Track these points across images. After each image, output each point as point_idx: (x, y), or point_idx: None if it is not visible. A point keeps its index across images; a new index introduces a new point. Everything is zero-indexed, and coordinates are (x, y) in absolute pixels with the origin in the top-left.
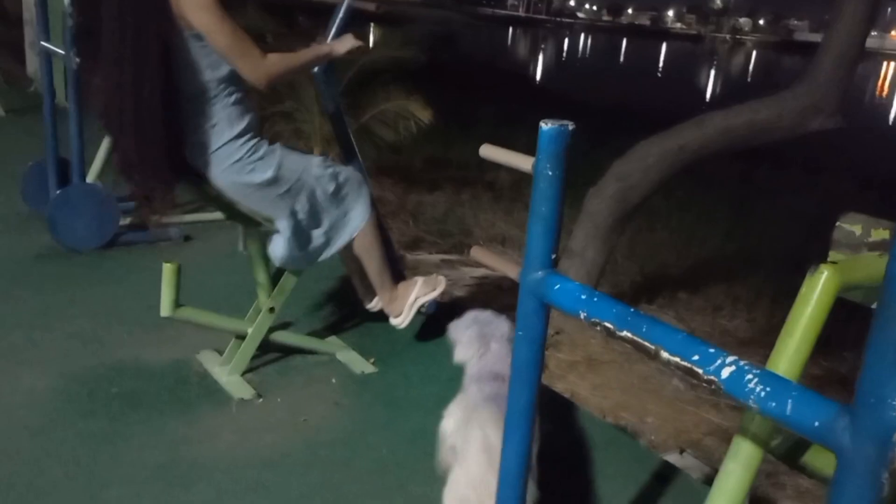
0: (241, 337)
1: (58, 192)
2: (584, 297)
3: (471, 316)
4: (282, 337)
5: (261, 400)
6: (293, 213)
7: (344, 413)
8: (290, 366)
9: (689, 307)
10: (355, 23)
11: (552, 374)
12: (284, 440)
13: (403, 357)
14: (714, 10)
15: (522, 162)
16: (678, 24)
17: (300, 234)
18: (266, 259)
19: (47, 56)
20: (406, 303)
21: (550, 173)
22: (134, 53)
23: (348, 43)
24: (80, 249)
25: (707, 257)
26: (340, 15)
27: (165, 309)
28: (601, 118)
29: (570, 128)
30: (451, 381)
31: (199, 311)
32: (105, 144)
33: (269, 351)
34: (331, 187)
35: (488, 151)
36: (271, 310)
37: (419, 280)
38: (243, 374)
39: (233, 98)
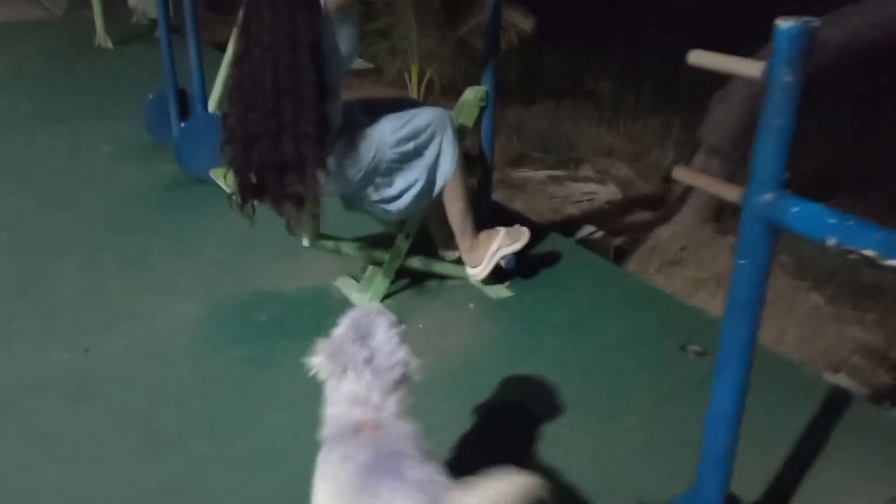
0: (377, 264)
1: (183, 123)
2: (833, 221)
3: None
4: (417, 263)
5: (403, 326)
6: (378, 188)
7: (486, 339)
8: (426, 291)
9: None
10: None
11: (679, 294)
12: (432, 365)
13: (536, 281)
14: None
15: (747, 68)
16: None
17: (391, 198)
18: None
19: None
20: (486, 253)
21: (788, 79)
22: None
23: None
24: (207, 179)
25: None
26: None
27: (308, 239)
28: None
29: (815, 25)
30: (587, 307)
31: (339, 240)
32: (223, 73)
33: (403, 277)
34: (410, 147)
35: (699, 58)
36: (407, 236)
37: (502, 231)
38: (382, 300)
39: (337, 93)
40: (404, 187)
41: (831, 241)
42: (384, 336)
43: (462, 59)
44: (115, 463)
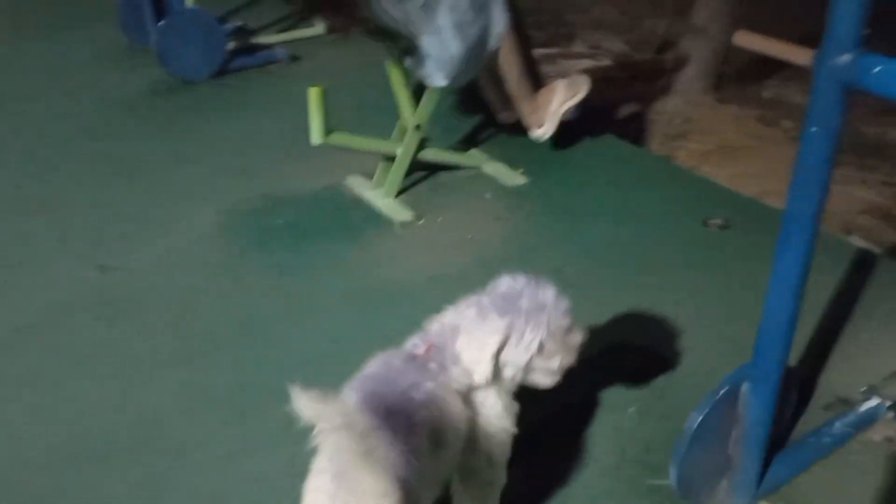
0: (389, 158)
1: (162, 21)
2: None
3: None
4: (429, 155)
5: (422, 221)
6: (438, 30)
7: (508, 227)
8: (440, 184)
9: None
10: None
11: (685, 166)
12: (458, 258)
13: (550, 165)
14: None
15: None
16: None
17: (446, 50)
18: (407, 75)
19: None
20: (549, 111)
21: None
22: None
23: None
24: (195, 80)
25: None
26: None
27: (316, 136)
28: None
29: None
30: (607, 185)
31: (349, 135)
32: None
33: (416, 170)
34: (464, 4)
35: (746, 40)
36: (418, 127)
37: (560, 84)
38: (396, 195)
39: None
40: (461, 46)
41: None
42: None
43: None
44: (156, 375)
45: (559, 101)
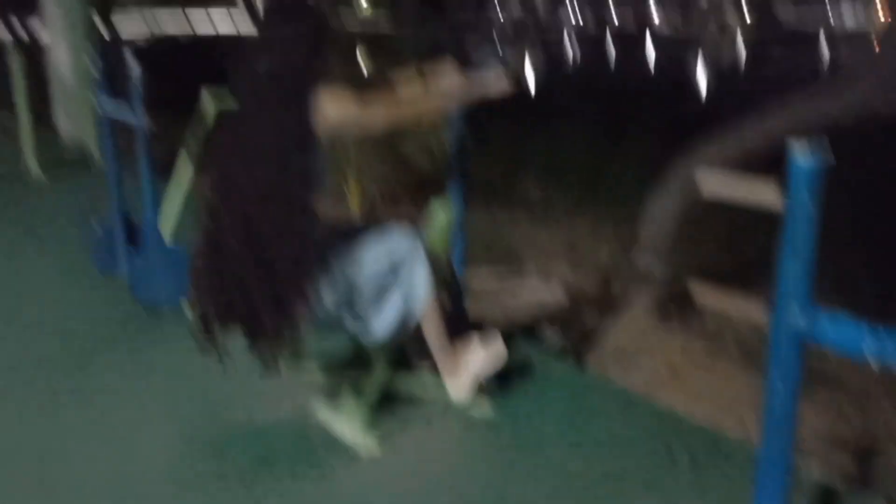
0: (355, 388)
1: (137, 255)
2: (871, 336)
3: None
4: (396, 385)
5: (391, 454)
6: (358, 316)
7: (480, 461)
8: (407, 415)
9: None
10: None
11: (642, 391)
12: (429, 496)
13: (512, 395)
14: (699, 8)
15: (765, 194)
16: (664, 27)
17: (372, 322)
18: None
19: (107, 119)
20: (466, 371)
21: (807, 211)
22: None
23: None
24: (162, 308)
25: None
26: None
27: (284, 368)
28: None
29: (825, 158)
30: (565, 416)
31: (314, 365)
32: (172, 201)
33: (383, 400)
34: (387, 273)
35: (713, 186)
36: (384, 364)
37: (480, 349)
38: (361, 425)
39: None
40: (384, 315)
41: (872, 358)
42: None
43: (403, 173)
44: None
45: (476, 365)
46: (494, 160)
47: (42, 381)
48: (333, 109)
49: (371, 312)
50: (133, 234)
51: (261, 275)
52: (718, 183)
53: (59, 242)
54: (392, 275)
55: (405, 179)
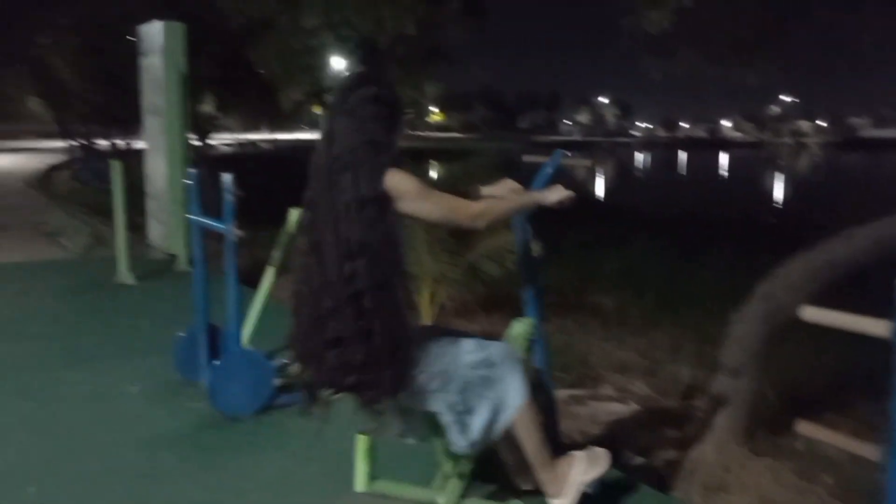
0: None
1: (218, 360)
2: None
3: None
4: None
5: None
6: (451, 406)
7: None
8: None
9: None
10: (564, 175)
11: None
12: None
13: None
14: (770, 116)
15: (871, 327)
16: (737, 134)
17: (463, 424)
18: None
19: (199, 229)
20: (568, 483)
21: None
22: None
23: (559, 193)
24: (240, 416)
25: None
26: (549, 170)
27: (361, 483)
28: (685, 231)
29: None
30: None
31: (393, 483)
32: (255, 309)
33: None
34: (481, 372)
35: (815, 315)
36: (460, 475)
37: (581, 456)
38: None
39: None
40: (476, 418)
41: None
42: None
43: (474, 281)
44: None
45: (578, 473)
46: (563, 268)
47: (121, 490)
48: (401, 183)
49: (461, 412)
50: (215, 341)
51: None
52: (822, 314)
53: (145, 347)
54: (486, 375)
55: (476, 287)
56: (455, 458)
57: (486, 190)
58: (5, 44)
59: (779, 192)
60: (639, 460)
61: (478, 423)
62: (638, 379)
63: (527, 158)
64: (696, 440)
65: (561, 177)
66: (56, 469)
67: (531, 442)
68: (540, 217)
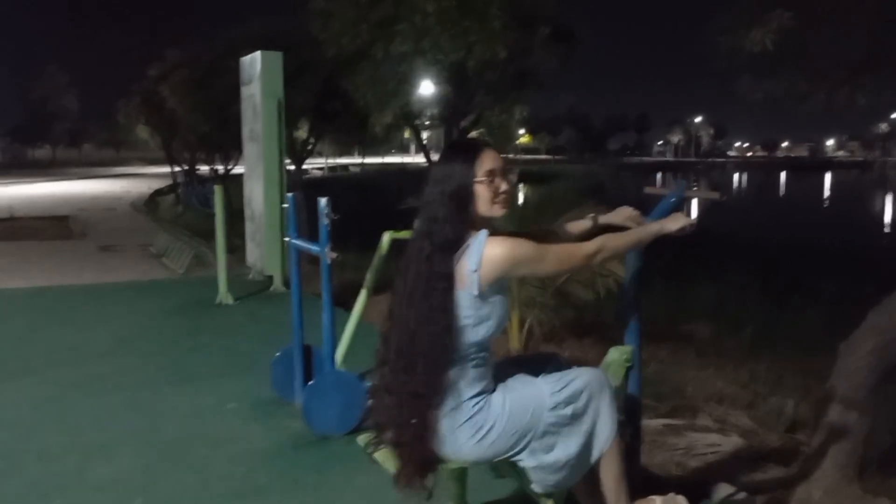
0: None
1: (312, 380)
2: None
3: None
4: None
5: None
6: (534, 452)
7: None
8: None
9: None
10: (683, 204)
11: None
12: None
13: None
14: (879, 134)
15: None
16: (840, 153)
17: (548, 466)
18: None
19: (296, 252)
20: None
21: None
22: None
23: (681, 221)
24: (332, 435)
25: None
26: (672, 200)
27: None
28: (786, 259)
29: None
30: None
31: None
32: (349, 330)
33: None
34: (568, 412)
35: None
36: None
37: (658, 501)
38: None
39: (475, 361)
40: (562, 454)
41: None
42: None
43: (564, 306)
44: None
45: None
46: (657, 296)
47: None
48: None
49: (551, 449)
50: (309, 361)
51: (409, 401)
52: None
53: (242, 366)
54: (571, 413)
55: (565, 312)
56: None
57: (603, 218)
58: (118, 77)
59: (889, 215)
60: (740, 496)
61: (562, 461)
62: (737, 410)
63: (648, 191)
64: (802, 477)
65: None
66: (159, 482)
67: (612, 479)
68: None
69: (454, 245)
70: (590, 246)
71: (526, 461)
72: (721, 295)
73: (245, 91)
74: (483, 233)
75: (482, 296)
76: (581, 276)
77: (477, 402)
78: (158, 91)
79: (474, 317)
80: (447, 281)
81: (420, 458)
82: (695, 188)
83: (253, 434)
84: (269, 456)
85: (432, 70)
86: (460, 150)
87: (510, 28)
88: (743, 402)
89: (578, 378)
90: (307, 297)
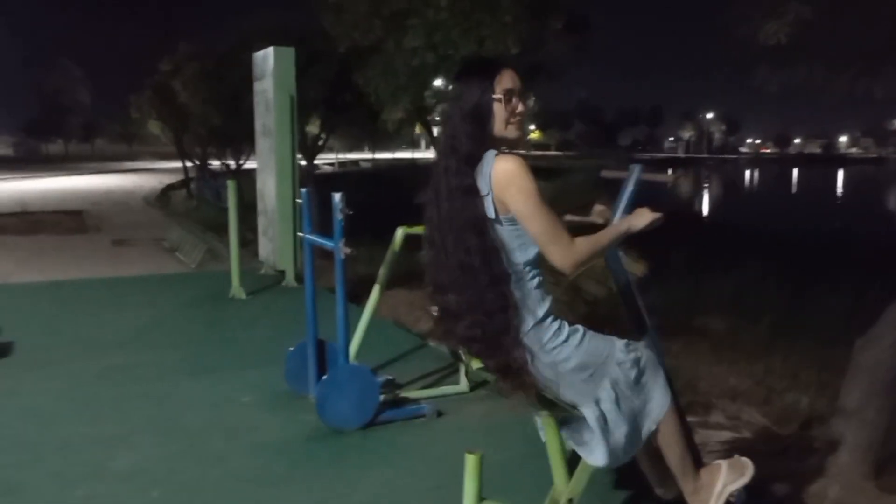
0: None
1: (325, 375)
2: None
3: None
4: None
5: None
6: (597, 402)
7: None
8: None
9: None
10: (642, 195)
11: None
12: None
13: None
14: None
15: None
16: (853, 149)
17: (605, 426)
18: (561, 445)
19: (310, 247)
20: (713, 492)
21: None
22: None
23: (647, 216)
24: (346, 428)
25: None
26: (629, 188)
27: (469, 503)
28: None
29: None
30: None
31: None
32: (362, 324)
33: None
34: (633, 374)
35: None
36: (570, 501)
37: (724, 465)
38: None
39: (535, 281)
40: (621, 423)
41: None
42: None
43: (577, 301)
44: None
45: (723, 482)
46: (670, 289)
47: (236, 495)
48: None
49: (606, 421)
50: (323, 355)
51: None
52: None
53: (256, 359)
54: (635, 376)
55: (578, 307)
56: (580, 474)
57: (574, 218)
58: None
59: None
60: (754, 493)
61: (621, 432)
62: (752, 407)
63: (605, 174)
64: (818, 474)
65: (655, 195)
66: (176, 473)
67: (675, 450)
68: (643, 237)
69: (475, 159)
70: (574, 243)
71: (588, 410)
72: (738, 287)
73: (258, 86)
74: (491, 153)
75: (504, 220)
76: (592, 271)
77: (553, 320)
78: (170, 84)
79: (515, 241)
80: (477, 194)
81: (516, 370)
82: (646, 171)
83: (270, 426)
84: (287, 447)
85: (444, 65)
86: (479, 67)
87: (522, 20)
88: (757, 398)
89: (642, 349)
90: (319, 291)
